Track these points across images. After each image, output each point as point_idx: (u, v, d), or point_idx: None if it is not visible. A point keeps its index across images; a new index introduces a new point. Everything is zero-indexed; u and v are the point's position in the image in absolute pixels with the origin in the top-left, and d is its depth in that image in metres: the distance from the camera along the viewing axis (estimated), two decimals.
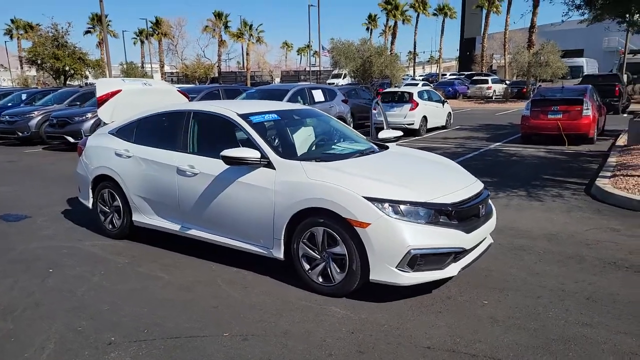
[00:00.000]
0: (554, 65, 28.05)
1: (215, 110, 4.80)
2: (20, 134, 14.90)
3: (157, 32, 57.47)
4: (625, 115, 20.59)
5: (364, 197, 3.64)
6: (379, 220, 3.57)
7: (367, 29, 64.05)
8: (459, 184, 4.11)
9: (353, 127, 7.63)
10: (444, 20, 57.14)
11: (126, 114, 5.77)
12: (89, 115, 13.77)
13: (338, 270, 3.82)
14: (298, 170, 4.03)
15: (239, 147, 4.32)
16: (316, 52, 58.32)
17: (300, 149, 4.71)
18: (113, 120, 5.90)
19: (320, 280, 3.94)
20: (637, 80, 28.43)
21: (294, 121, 5.13)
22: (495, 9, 46.84)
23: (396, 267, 3.57)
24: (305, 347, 3.18)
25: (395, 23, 54.36)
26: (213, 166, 4.49)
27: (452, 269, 3.73)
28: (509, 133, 15.39)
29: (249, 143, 4.36)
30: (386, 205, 3.62)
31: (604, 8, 10.63)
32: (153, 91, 6.43)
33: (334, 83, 37.65)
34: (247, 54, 52.90)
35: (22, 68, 52.33)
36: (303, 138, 5.02)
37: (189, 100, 6.97)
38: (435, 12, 56.58)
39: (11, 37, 60.16)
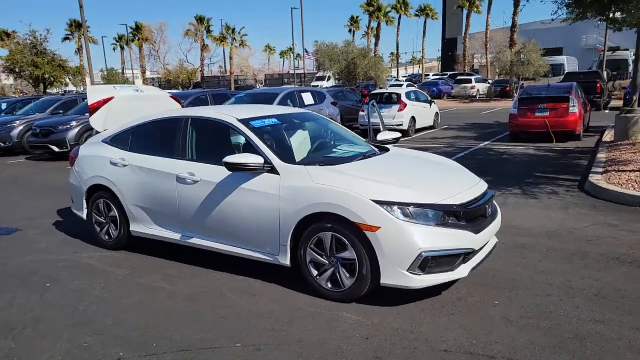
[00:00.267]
0: (535, 63, 28.49)
1: (214, 116, 4.72)
2: (1, 144, 14.58)
3: (137, 38, 56.84)
4: (607, 111, 20.96)
5: (372, 200, 3.60)
6: (389, 224, 3.53)
7: (350, 30, 64.33)
8: (464, 185, 4.09)
9: None
10: (425, 21, 57.63)
11: (119, 122, 5.66)
12: (74, 123, 13.55)
13: (347, 275, 3.78)
14: (303, 174, 3.97)
15: (241, 153, 4.26)
16: (299, 55, 58.38)
17: (302, 153, 4.66)
18: (106, 128, 5.78)
19: (329, 285, 3.88)
20: (617, 77, 28.96)
21: (293, 125, 5.08)
22: (475, 9, 47.33)
23: (407, 270, 3.54)
24: (321, 355, 3.12)
25: (379, 24, 54.62)
26: (214, 173, 4.41)
27: (463, 270, 3.71)
28: (496, 132, 15.53)
29: (251, 148, 4.29)
30: (395, 208, 3.59)
31: (592, 5, 10.75)
32: (145, 97, 6.32)
33: (318, 85, 37.62)
34: (231, 57, 52.65)
35: None
36: (303, 142, 4.97)
37: (182, 106, 6.87)
38: (416, 13, 57.01)
39: None
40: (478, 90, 33.75)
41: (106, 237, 5.41)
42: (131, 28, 57.47)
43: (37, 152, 13.95)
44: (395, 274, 3.57)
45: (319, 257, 3.90)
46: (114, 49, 66.99)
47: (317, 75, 46.62)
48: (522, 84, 30.90)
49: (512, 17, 33.83)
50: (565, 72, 27.85)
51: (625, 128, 10.66)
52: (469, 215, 3.80)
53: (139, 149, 5.08)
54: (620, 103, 22.95)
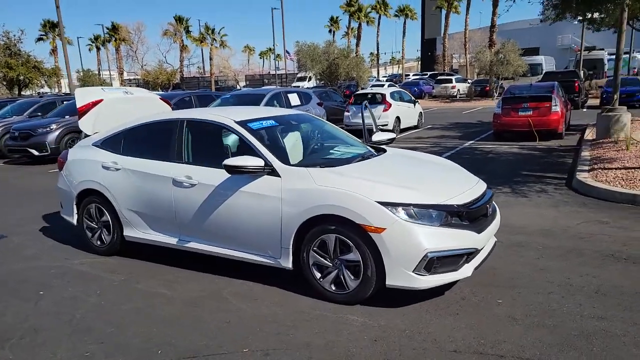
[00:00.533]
0: (514, 63, 28.95)
1: (211, 118, 4.65)
2: None
3: (114, 38, 55.93)
4: (585, 110, 21.41)
5: (377, 202, 3.59)
6: (394, 225, 3.52)
7: (330, 31, 64.43)
8: (465, 185, 4.12)
9: None
10: (405, 22, 58.08)
11: (109, 125, 5.55)
12: (54, 126, 13.25)
13: (352, 277, 3.76)
14: (305, 176, 3.94)
15: (240, 155, 4.19)
16: (279, 55, 58.23)
17: (296, 155, 4.63)
18: (95, 131, 5.65)
19: (333, 288, 3.86)
20: (593, 76, 29.61)
21: (290, 127, 5.04)
22: (454, 10, 47.89)
23: (413, 271, 3.54)
24: (331, 359, 3.10)
25: (360, 25, 54.84)
26: (212, 176, 4.35)
27: (466, 270, 3.72)
28: (480, 131, 15.71)
29: (250, 151, 4.23)
30: (400, 209, 3.58)
31: (577, 6, 10.98)
32: (135, 100, 6.20)
33: (299, 86, 37.57)
34: (211, 58, 52.19)
35: None
36: (296, 144, 4.93)
37: (172, 108, 6.76)
38: (396, 13, 57.40)
39: None
40: (459, 90, 34.14)
41: (98, 242, 5.28)
42: (108, 28, 56.57)
43: (15, 156, 13.62)
44: (401, 275, 3.56)
45: (322, 259, 3.87)
46: (89, 49, 65.86)
47: (298, 76, 46.59)
48: (502, 83, 31.45)
49: (491, 18, 34.29)
50: (544, 71, 28.41)
51: (607, 126, 10.88)
52: (472, 215, 3.82)
53: (132, 152, 4.98)
54: (597, 102, 23.52)
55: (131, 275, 4.70)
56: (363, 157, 4.59)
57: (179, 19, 51.65)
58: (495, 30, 34.13)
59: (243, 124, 4.46)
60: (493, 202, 4.38)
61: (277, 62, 58.54)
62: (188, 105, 13.79)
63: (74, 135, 13.28)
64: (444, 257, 3.58)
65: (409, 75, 53.19)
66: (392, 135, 5.55)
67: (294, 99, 12.72)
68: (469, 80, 37.21)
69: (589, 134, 12.24)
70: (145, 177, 4.77)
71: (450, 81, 34.63)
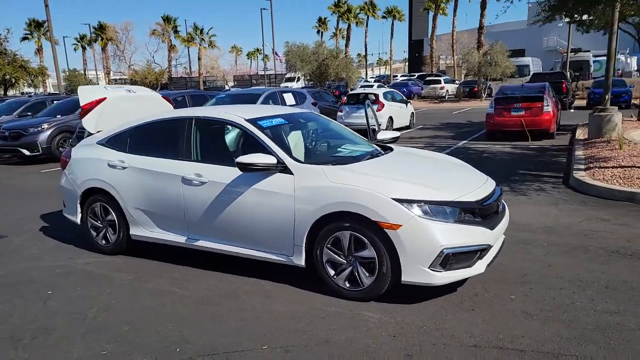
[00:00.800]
0: (502, 64, 29.26)
1: (220, 116, 4.63)
2: None
3: (102, 38, 55.29)
4: (572, 110, 21.71)
5: (393, 199, 3.61)
6: (410, 222, 3.54)
7: (318, 32, 64.43)
8: (476, 182, 4.16)
9: None
10: (393, 23, 58.34)
11: (112, 123, 5.50)
12: (45, 125, 13.07)
13: (367, 274, 3.77)
14: (318, 174, 3.94)
15: (250, 153, 4.16)
16: (266, 56, 58.09)
17: (298, 153, 4.63)
18: (99, 129, 5.59)
19: (348, 285, 3.87)
20: (579, 78, 30.05)
21: (299, 125, 5.04)
22: (441, 11, 48.23)
23: (429, 268, 3.56)
24: (352, 355, 3.11)
25: (349, 26, 54.93)
26: (223, 174, 4.33)
27: (480, 266, 3.76)
28: (472, 131, 15.85)
29: (261, 149, 4.22)
30: (415, 206, 3.61)
31: (574, 7, 11.15)
32: (137, 98, 6.14)
33: (287, 86, 37.55)
34: (199, 58, 51.88)
35: None
36: (298, 142, 4.92)
37: (174, 106, 6.72)
38: (384, 15, 57.68)
39: None
40: (447, 90, 34.40)
41: (103, 241, 5.23)
42: (95, 28, 55.92)
43: (5, 156, 13.40)
44: (417, 271, 3.58)
45: (336, 256, 3.88)
46: (75, 49, 65.02)
47: (287, 76, 46.53)
48: (490, 84, 31.78)
49: (479, 20, 34.64)
50: (531, 73, 28.75)
51: (599, 126, 11.05)
52: (484, 212, 3.86)
53: (139, 151, 4.94)
54: (583, 103, 23.90)
55: (139, 275, 4.66)
56: (372, 155, 4.61)
57: (167, 19, 51.28)
58: (484, 32, 34.49)
59: (253, 121, 4.45)
60: (502, 200, 4.43)
61: (265, 62, 58.40)
62: (182, 105, 13.69)
63: (66, 135, 13.14)
64: (459, 253, 3.61)
65: (396, 76, 53.42)
66: (396, 133, 5.58)
67: (289, 98, 12.72)
68: (457, 82, 37.52)
69: (581, 134, 12.42)
70: (153, 175, 4.73)
71: (439, 82, 34.88)
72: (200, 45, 51.49)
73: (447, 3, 47.51)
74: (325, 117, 5.61)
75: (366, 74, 64.82)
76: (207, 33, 51.81)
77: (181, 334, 3.48)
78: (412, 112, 17.89)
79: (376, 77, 59.15)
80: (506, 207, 4.45)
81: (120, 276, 4.63)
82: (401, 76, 50.53)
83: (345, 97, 16.99)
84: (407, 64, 69.44)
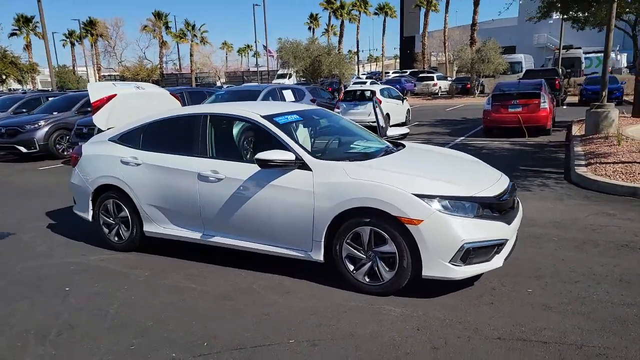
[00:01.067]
0: (495, 61, 29.44)
1: (236, 113, 4.65)
2: None
3: (91, 34, 54.73)
4: (565, 107, 21.93)
5: (413, 194, 3.66)
6: (431, 217, 3.60)
7: (309, 28, 64.46)
8: (492, 178, 4.23)
9: None
10: (384, 20, 58.42)
11: (122, 120, 5.50)
12: (42, 122, 12.95)
13: (387, 269, 3.82)
14: (338, 170, 3.98)
15: (269, 150, 4.18)
16: (257, 52, 57.92)
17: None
18: (110, 126, 5.58)
19: (367, 280, 3.92)
20: (571, 74, 30.36)
21: (313, 121, 5.07)
22: (433, 8, 48.40)
23: (449, 262, 3.62)
24: (379, 348, 3.16)
25: (342, 22, 54.93)
26: (240, 170, 4.36)
27: (497, 261, 3.82)
28: (468, 127, 15.97)
29: (278, 145, 4.25)
30: (435, 201, 3.66)
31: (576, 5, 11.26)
32: (146, 95, 6.14)
33: (279, 83, 37.41)
34: (191, 55, 51.56)
35: None
36: (305, 138, 4.95)
37: (182, 103, 6.72)
38: (376, 11, 57.72)
39: None
40: (440, 87, 34.58)
41: (116, 238, 5.23)
42: (84, 23, 55.30)
43: (1, 154, 13.26)
44: (438, 266, 3.64)
45: (355, 251, 3.92)
46: (63, 45, 64.38)
47: (279, 73, 46.41)
48: (482, 81, 31.98)
49: (472, 17, 34.81)
50: (524, 69, 29.00)
51: (597, 122, 11.20)
52: (501, 207, 3.93)
53: (153, 148, 4.94)
54: (575, 99, 24.17)
55: (154, 271, 4.67)
56: (386, 152, 4.66)
57: (158, 15, 50.90)
58: (476, 28, 34.69)
59: (269, 118, 4.48)
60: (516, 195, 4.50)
61: (256, 58, 58.20)
62: (182, 103, 13.62)
63: (63, 132, 13.05)
64: (478, 247, 3.68)
65: (388, 72, 53.51)
66: (406, 130, 5.64)
67: (288, 95, 12.73)
68: (449, 78, 37.71)
69: (577, 130, 12.58)
70: (168, 172, 4.74)
71: (431, 79, 35.04)
72: (192, 41, 51.16)
73: (439, 0, 47.69)
74: (335, 113, 5.65)
75: (358, 70, 64.88)
76: (199, 29, 51.58)
77: (206, 328, 3.51)
78: (408, 109, 17.98)
79: (368, 73, 59.20)
80: (519, 202, 4.52)
81: (136, 272, 4.64)
82: (393, 73, 50.60)
83: (342, 94, 17.00)
84: (397, 60, 69.63)
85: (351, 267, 3.97)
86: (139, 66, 45.25)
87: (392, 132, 5.53)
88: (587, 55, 33.75)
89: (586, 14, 15.09)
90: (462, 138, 13.54)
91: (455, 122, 18.20)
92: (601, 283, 3.96)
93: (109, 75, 58.73)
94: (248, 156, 4.57)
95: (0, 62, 27.57)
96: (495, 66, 29.71)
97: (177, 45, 55.13)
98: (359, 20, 58.10)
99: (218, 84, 49.99)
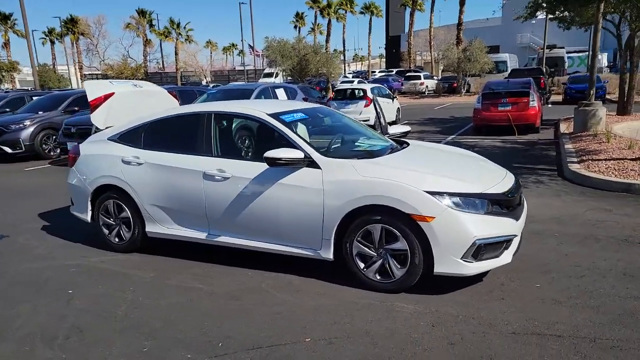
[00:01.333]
0: (481, 60, 29.73)
1: (242, 111, 4.61)
2: None
3: (73, 32, 53.82)
4: (550, 105, 22.23)
5: (425, 191, 3.67)
6: (444, 214, 3.61)
7: (295, 27, 64.27)
8: (498, 175, 4.26)
9: None
10: (370, 19, 58.54)
11: (121, 119, 5.41)
12: (27, 122, 12.71)
13: (398, 266, 3.83)
14: (347, 168, 3.98)
15: (276, 148, 4.15)
16: (242, 51, 57.58)
17: (330, 147, 4.65)
18: (108, 125, 5.49)
19: (378, 277, 3.92)
20: (554, 74, 30.81)
21: (318, 119, 5.06)
22: (419, 7, 48.68)
23: (461, 258, 3.64)
24: (397, 345, 3.16)
25: (329, 21, 54.82)
26: (246, 169, 4.32)
27: (506, 257, 3.85)
28: (457, 126, 16.11)
29: (285, 143, 4.22)
30: (447, 198, 3.68)
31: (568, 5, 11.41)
32: (144, 93, 6.06)
33: (266, 82, 37.21)
34: (176, 53, 51.04)
35: None
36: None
37: (179, 101, 6.64)
38: (362, 10, 57.80)
39: None
40: (427, 86, 34.82)
41: (116, 239, 5.15)
42: (65, 21, 54.38)
43: None
44: (450, 262, 3.66)
45: (366, 249, 3.92)
46: (43, 43, 63.22)
47: (265, 71, 46.22)
48: (468, 80, 32.28)
49: (458, 16, 35.10)
50: (509, 68, 29.35)
51: (585, 120, 11.38)
52: (510, 203, 3.96)
53: (155, 147, 4.87)
54: (560, 98, 24.53)
55: (158, 272, 4.61)
56: (392, 149, 4.67)
57: (142, 12, 50.30)
58: (462, 28, 34.99)
59: (276, 116, 4.45)
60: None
61: (241, 57, 57.89)
62: None
63: (49, 131, 12.82)
64: (489, 244, 3.70)
65: (374, 71, 53.69)
66: (407, 128, 5.67)
67: (281, 94, 12.68)
68: (435, 77, 37.98)
69: (566, 128, 12.76)
70: (171, 171, 4.68)
71: (418, 78, 35.27)
72: (177, 40, 50.67)
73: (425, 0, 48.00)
74: (337, 111, 5.64)
75: (344, 69, 64.99)
76: (184, 27, 51.11)
77: (219, 329, 3.47)
78: (398, 108, 18.07)
79: (354, 72, 59.31)
80: (524, 199, 4.56)
81: (140, 274, 4.58)
82: (379, 72, 50.80)
83: (334, 93, 17.01)
84: (383, 59, 69.87)
85: (362, 265, 3.97)
86: (123, 65, 44.68)
87: (394, 129, 5.55)
88: (570, 55, 34.29)
89: (572, 14, 15.29)
90: (452, 136, 13.65)
91: (445, 120, 18.34)
92: (606, 277, 4.02)
93: (90, 74, 57.91)
94: (255, 154, 4.54)
95: None
96: (481, 65, 30.02)
97: (161, 43, 54.65)
98: (346, 19, 58.18)
99: (203, 82, 49.59)
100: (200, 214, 4.59)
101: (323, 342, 3.24)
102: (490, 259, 3.77)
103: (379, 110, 6.23)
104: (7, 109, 15.33)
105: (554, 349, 3.02)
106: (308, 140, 4.67)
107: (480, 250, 3.67)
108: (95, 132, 5.60)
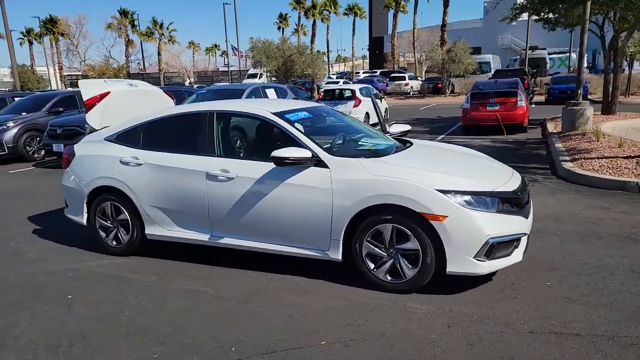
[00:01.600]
0: (465, 61, 29.99)
1: (245, 110, 4.52)
2: None
3: (52, 32, 52.78)
4: (533, 105, 22.50)
5: (437, 190, 3.63)
6: (456, 212, 3.57)
7: (279, 28, 64.09)
8: (506, 173, 4.24)
9: None
10: (354, 20, 58.67)
11: (117, 118, 5.27)
12: (10, 124, 12.40)
13: (409, 266, 3.78)
14: (356, 167, 3.91)
15: (281, 147, 4.07)
16: (224, 52, 57.19)
17: (335, 146, 4.59)
18: (104, 125, 5.33)
19: (389, 278, 3.86)
20: (536, 74, 31.25)
21: (321, 118, 4.99)
22: (402, 9, 48.95)
23: (474, 257, 3.61)
24: (414, 346, 3.11)
25: (314, 22, 54.67)
26: (251, 169, 4.23)
27: (517, 255, 3.83)
28: (445, 126, 16.19)
29: (292, 142, 4.14)
30: (459, 196, 3.64)
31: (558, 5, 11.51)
32: (140, 93, 5.91)
33: (251, 83, 36.97)
34: (159, 54, 50.39)
35: None
36: (330, 135, 4.87)
37: (174, 101, 6.51)
38: (345, 12, 57.88)
39: None
40: (412, 87, 35.00)
41: (114, 242, 5.00)
42: (44, 21, 53.29)
43: None
44: (462, 261, 3.62)
45: (376, 249, 3.86)
46: (21, 43, 61.86)
47: (249, 72, 45.96)
48: (452, 81, 32.54)
49: (442, 17, 35.37)
50: (492, 69, 29.67)
51: (573, 119, 11.52)
52: (519, 202, 3.94)
53: (155, 147, 4.75)
54: (542, 98, 24.88)
55: (159, 275, 4.49)
56: (397, 148, 4.62)
57: (124, 12, 49.52)
58: (446, 29, 35.25)
59: (280, 115, 4.37)
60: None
61: (224, 58, 57.50)
62: None
63: (33, 133, 12.52)
64: (501, 242, 3.68)
65: (358, 72, 53.79)
66: (408, 127, 5.62)
67: (271, 94, 12.57)
68: (420, 78, 38.21)
69: (553, 127, 12.91)
70: (172, 171, 4.56)
71: (403, 78, 35.44)
72: (160, 40, 50.02)
73: (407, 1, 48.27)
74: (338, 111, 5.58)
75: (329, 70, 65.01)
76: (167, 28, 50.46)
77: (230, 333, 3.38)
78: (386, 108, 18.09)
79: (338, 73, 59.35)
80: (530, 197, 4.56)
81: (141, 277, 4.45)
82: (363, 73, 50.90)
83: (322, 93, 16.96)
84: (366, 61, 70.09)
85: (372, 266, 3.91)
86: (105, 65, 43.97)
87: (395, 128, 5.50)
88: (552, 56, 34.83)
89: (557, 15, 15.50)
90: (442, 136, 13.70)
91: (432, 120, 18.42)
92: (614, 274, 4.03)
93: (69, 75, 56.86)
94: (259, 154, 4.43)
95: None
96: (465, 66, 30.30)
97: (142, 44, 53.95)
98: (330, 20, 58.20)
99: (187, 83, 49.09)
100: (203, 215, 4.48)
101: (339, 345, 3.16)
102: (502, 257, 3.74)
103: (377, 109, 6.17)
104: None
105: (574, 347, 3.00)
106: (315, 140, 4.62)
107: (493, 249, 3.64)
108: (91, 132, 5.44)
